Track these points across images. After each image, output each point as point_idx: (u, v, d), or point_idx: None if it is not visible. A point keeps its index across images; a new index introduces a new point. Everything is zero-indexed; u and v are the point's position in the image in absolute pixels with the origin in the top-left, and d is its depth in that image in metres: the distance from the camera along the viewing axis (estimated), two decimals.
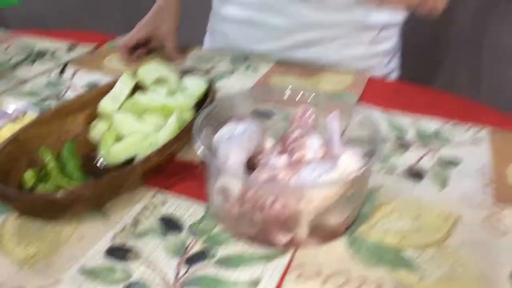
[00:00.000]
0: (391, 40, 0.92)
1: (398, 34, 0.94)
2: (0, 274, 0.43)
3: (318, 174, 0.45)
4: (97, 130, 0.62)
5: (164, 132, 0.58)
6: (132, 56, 0.90)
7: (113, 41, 0.99)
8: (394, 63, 0.97)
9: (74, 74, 0.85)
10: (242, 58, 0.91)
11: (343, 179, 0.44)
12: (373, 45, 0.90)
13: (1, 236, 0.48)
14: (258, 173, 0.47)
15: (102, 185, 0.47)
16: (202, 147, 0.47)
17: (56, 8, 1.97)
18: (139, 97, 0.64)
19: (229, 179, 0.46)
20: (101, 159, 0.59)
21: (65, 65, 0.88)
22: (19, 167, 0.53)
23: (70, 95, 0.77)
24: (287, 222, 0.44)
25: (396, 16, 0.91)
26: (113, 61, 0.91)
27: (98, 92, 0.65)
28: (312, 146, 0.49)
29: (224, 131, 0.53)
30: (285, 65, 0.88)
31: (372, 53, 0.91)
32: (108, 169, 0.58)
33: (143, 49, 0.93)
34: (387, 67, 0.94)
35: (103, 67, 0.88)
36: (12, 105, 0.70)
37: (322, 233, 0.46)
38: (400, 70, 0.99)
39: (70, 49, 0.96)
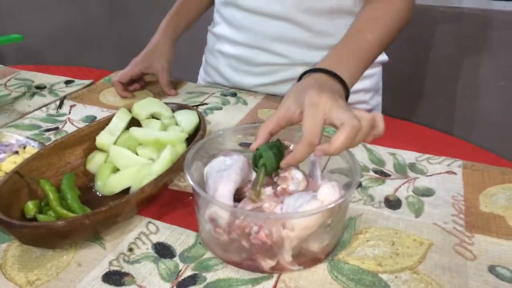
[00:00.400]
0: (373, 78, 0.98)
1: (380, 72, 1.00)
2: None
3: (300, 204, 0.49)
4: (94, 162, 0.66)
5: (158, 165, 0.62)
6: (126, 92, 0.94)
7: (108, 77, 1.04)
8: (376, 100, 1.02)
9: (71, 108, 0.89)
10: (232, 93, 0.97)
11: (322, 209, 0.48)
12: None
13: (4, 262, 0.51)
14: (245, 204, 0.51)
15: (100, 215, 0.51)
16: (191, 180, 0.51)
17: (53, 44, 2.03)
18: (134, 131, 0.68)
19: (218, 209, 0.49)
20: (98, 190, 0.62)
21: (62, 100, 0.92)
22: (21, 198, 0.57)
23: (68, 128, 0.81)
24: (272, 249, 0.48)
25: (380, 56, 0.97)
26: (108, 96, 0.95)
27: (96, 127, 0.70)
28: (295, 179, 0.53)
29: (214, 164, 0.57)
30: (272, 99, 0.94)
31: (354, 90, 0.96)
32: (104, 199, 0.61)
33: (137, 85, 0.98)
34: (369, 103, 1.00)
35: (99, 102, 0.92)
36: (12, 139, 0.74)
37: (304, 258, 0.50)
38: (382, 105, 1.05)
39: (67, 83, 1.00)
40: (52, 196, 0.56)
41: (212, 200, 0.50)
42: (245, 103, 0.92)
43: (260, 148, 0.55)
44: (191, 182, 0.50)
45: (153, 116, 0.74)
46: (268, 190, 0.52)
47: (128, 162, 0.64)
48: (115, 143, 0.67)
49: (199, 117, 0.73)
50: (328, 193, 0.48)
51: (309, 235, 0.48)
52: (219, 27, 0.98)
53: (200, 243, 0.54)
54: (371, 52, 0.71)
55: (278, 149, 0.55)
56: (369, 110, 1.00)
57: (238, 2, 0.90)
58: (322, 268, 0.50)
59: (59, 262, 0.51)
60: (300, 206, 0.49)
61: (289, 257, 0.49)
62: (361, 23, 0.73)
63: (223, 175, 0.54)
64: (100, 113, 0.87)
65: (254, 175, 0.57)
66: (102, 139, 0.67)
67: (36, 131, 0.80)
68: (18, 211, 0.55)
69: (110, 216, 0.52)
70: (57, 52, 1.99)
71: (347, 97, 0.62)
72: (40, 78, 1.03)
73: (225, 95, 0.96)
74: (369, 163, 0.70)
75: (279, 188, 0.53)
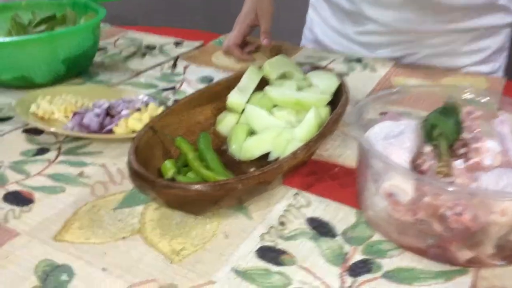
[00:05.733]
0: (498, 38, 0.85)
1: (509, 33, 0.87)
2: (150, 267, 0.40)
3: (506, 183, 0.39)
4: (225, 123, 0.59)
5: (301, 129, 0.53)
6: (246, 54, 0.87)
7: (218, 39, 0.97)
8: (500, 62, 0.88)
9: (185, 69, 0.83)
10: (357, 58, 0.86)
11: None
12: (476, 42, 0.83)
13: (143, 227, 0.45)
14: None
15: (253, 180, 0.43)
16: (364, 143, 0.42)
17: (147, 9, 2.02)
18: (270, 91, 0.60)
19: (400, 182, 0.40)
20: (233, 153, 0.55)
21: (176, 60, 0.86)
22: (156, 156, 0.51)
23: (185, 88, 0.75)
24: (475, 236, 0.38)
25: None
26: (220, 58, 0.89)
27: (224, 85, 0.62)
28: (491, 151, 0.43)
29: (378, 129, 0.48)
30: (403, 67, 0.82)
31: (475, 48, 0.84)
32: (240, 163, 0.54)
33: (251, 47, 0.90)
34: (490, 64, 0.86)
35: (212, 63, 0.86)
36: (132, 95, 0.69)
37: (510, 252, 0.39)
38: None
39: (177, 44, 0.95)
40: (191, 155, 0.49)
41: (394, 167, 0.41)
42: (373, 69, 0.82)
43: (430, 115, 0.45)
44: (362, 145, 0.41)
45: (283, 77, 0.65)
46: (459, 163, 0.42)
47: (265, 124, 0.56)
48: (247, 103, 0.60)
49: (340, 79, 0.63)
50: None
51: None
52: None
53: (365, 222, 0.45)
54: None
55: (456, 115, 0.45)
56: (491, 73, 0.87)
57: None
58: None
59: (204, 231, 0.44)
60: (507, 186, 0.39)
61: (491, 249, 0.39)
62: None
63: (392, 142, 0.44)
64: (216, 74, 0.80)
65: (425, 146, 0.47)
66: (234, 98, 0.60)
67: (153, 90, 0.75)
68: (155, 170, 0.49)
69: (262, 183, 0.44)
70: (149, 18, 1.98)
71: None
72: (148, 38, 0.99)
73: (349, 61, 0.86)
74: None
75: (472, 161, 0.42)
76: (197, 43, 0.95)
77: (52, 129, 0.58)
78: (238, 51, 0.87)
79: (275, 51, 0.92)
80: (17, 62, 0.70)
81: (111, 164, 0.55)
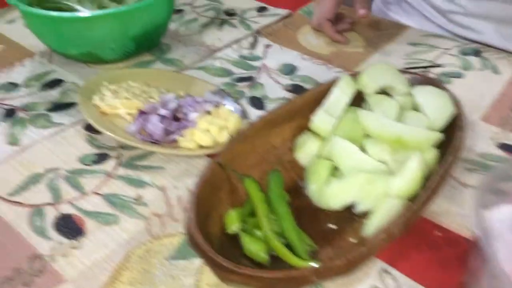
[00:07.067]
0: None
1: None
2: None
3: None
4: (305, 151, 0.50)
5: (401, 181, 0.43)
6: (339, 34, 0.74)
7: (306, 7, 0.84)
8: None
9: (266, 50, 0.72)
10: (474, 50, 0.70)
11: None
12: None
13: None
14: None
15: (333, 271, 0.35)
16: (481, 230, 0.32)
17: None
18: (364, 117, 0.49)
19: None
20: (310, 195, 0.47)
21: (256, 37, 0.75)
22: (221, 198, 0.43)
23: (263, 80, 0.65)
24: None
25: None
26: (308, 36, 0.76)
27: (310, 98, 0.52)
28: None
29: (505, 213, 0.36)
30: None
31: None
32: (316, 211, 0.45)
33: (345, 25, 0.77)
34: None
35: (298, 45, 0.74)
36: (205, 89, 0.60)
37: None
38: None
39: (260, 11, 0.83)
40: (260, 209, 0.41)
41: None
42: (494, 70, 0.66)
43: None
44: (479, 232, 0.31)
45: (383, 91, 0.53)
46: None
47: (354, 163, 0.46)
48: (334, 129, 0.50)
49: (453, 101, 0.50)
50: None
51: None
52: None
53: None
54: None
55: None
56: None
57: None
58: None
59: None
60: None
61: None
62: None
63: None
64: (301, 62, 0.69)
65: None
66: (320, 121, 0.50)
67: (227, 79, 0.66)
68: (217, 218, 0.42)
69: (344, 272, 0.36)
70: None
71: None
72: (229, 0, 0.87)
73: (465, 54, 0.70)
74: None
75: None
76: (283, 12, 0.82)
77: (113, 135, 0.52)
78: (330, 29, 0.74)
79: (372, 29, 0.78)
80: (84, 38, 0.63)
81: (172, 187, 0.49)
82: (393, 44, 0.73)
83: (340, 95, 0.52)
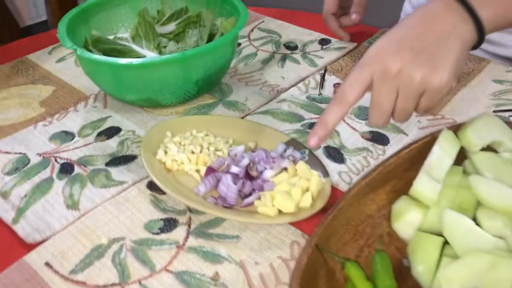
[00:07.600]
0: None
1: None
2: None
3: None
4: (406, 222, 0.43)
5: None
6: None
7: (371, 38, 0.77)
8: None
9: (335, 89, 0.66)
10: None
11: None
12: None
13: None
14: None
15: None
16: None
17: None
18: (477, 184, 0.42)
19: None
20: (417, 277, 0.40)
21: (323, 75, 0.69)
22: (318, 285, 0.37)
23: (338, 126, 0.59)
24: None
25: None
26: None
27: (405, 157, 0.45)
28: None
29: None
30: None
31: None
32: None
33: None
34: None
35: None
36: (277, 140, 0.54)
37: None
38: None
39: (323, 44, 0.77)
40: None
41: None
42: None
43: None
44: None
45: (488, 146, 0.46)
46: None
47: (470, 241, 0.39)
48: (440, 196, 0.43)
49: None
50: None
51: None
52: None
53: None
54: None
55: None
56: None
57: None
58: None
59: None
60: None
61: None
62: None
63: None
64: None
65: None
66: (423, 187, 0.43)
67: (297, 125, 0.60)
68: None
69: None
70: None
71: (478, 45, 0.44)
72: (287, 31, 0.82)
73: None
74: None
75: None
76: (348, 44, 0.76)
77: (183, 200, 0.47)
78: (333, 22, 0.75)
79: None
80: (144, 84, 0.59)
81: (252, 263, 0.43)
82: (474, 81, 0.66)
83: (442, 155, 0.45)
